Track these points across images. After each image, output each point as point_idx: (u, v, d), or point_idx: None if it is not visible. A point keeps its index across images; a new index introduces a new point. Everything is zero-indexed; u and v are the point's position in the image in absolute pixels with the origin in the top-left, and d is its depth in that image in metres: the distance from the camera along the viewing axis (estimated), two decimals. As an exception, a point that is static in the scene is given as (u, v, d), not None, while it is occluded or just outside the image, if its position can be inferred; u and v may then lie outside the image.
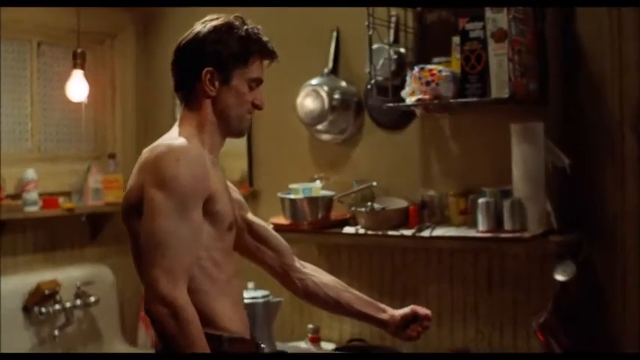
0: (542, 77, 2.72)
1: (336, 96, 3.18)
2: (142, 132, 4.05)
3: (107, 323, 3.70)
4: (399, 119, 3.11)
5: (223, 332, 1.88)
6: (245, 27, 1.98)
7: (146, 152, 1.87)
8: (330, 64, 3.28)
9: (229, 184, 2.21)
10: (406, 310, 2.18)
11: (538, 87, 2.69)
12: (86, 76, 3.34)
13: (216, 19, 2.01)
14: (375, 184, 3.04)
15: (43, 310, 3.35)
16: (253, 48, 1.97)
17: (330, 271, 3.26)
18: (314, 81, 3.23)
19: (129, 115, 3.97)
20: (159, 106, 4.04)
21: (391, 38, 3.05)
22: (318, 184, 3.12)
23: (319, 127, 3.25)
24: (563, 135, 2.74)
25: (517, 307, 2.85)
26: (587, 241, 2.68)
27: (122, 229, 1.88)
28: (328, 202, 3.10)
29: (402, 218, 2.95)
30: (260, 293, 2.86)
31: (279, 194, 3.15)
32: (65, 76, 3.43)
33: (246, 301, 2.84)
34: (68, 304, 3.46)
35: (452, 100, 2.62)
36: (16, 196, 3.39)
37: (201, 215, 1.81)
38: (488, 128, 2.90)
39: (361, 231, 2.98)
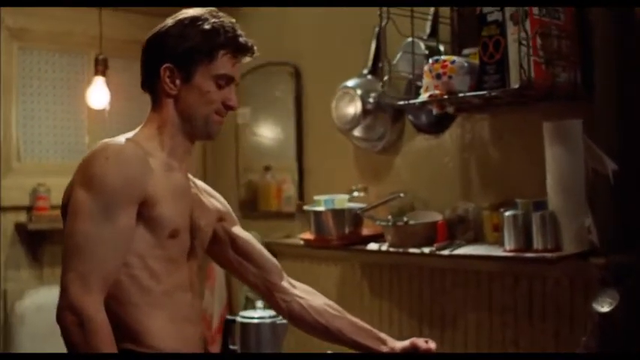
0: (584, 67, 2.28)
1: (371, 99, 2.89)
2: (209, 146, 3.97)
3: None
4: (437, 123, 2.75)
5: (150, 350, 1.68)
6: (212, 20, 1.80)
7: None
8: (370, 64, 2.99)
9: (211, 191, 2.06)
10: (406, 343, 1.91)
11: (575, 78, 2.25)
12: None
13: (186, 12, 1.86)
14: (402, 195, 2.71)
15: (84, 322, 3.31)
16: (218, 41, 1.78)
17: (371, 293, 3.00)
18: (350, 83, 2.96)
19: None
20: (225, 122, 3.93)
21: (427, 31, 2.72)
22: (343, 195, 2.83)
23: (356, 133, 2.97)
24: (612, 136, 2.27)
25: (559, 339, 2.38)
26: (638, 265, 2.18)
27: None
28: (357, 215, 2.80)
29: (431, 234, 2.58)
30: (267, 313, 2.61)
31: (305, 207, 2.90)
32: (124, 88, 3.41)
33: (254, 321, 2.63)
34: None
35: (460, 95, 2.25)
36: (64, 206, 3.39)
37: (132, 219, 1.65)
38: (531, 130, 2.47)
39: (383, 248, 2.65)
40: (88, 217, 1.61)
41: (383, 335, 1.97)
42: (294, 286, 2.07)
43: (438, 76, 2.30)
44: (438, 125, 2.76)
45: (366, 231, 2.84)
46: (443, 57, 2.34)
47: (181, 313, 1.78)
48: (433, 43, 2.67)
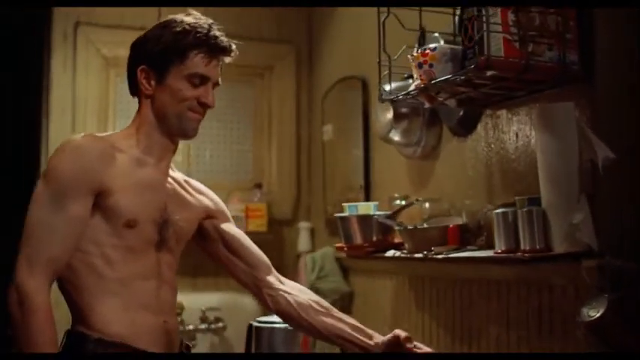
0: (581, 46, 2.01)
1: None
2: (304, 163, 4.02)
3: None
4: (465, 124, 2.57)
5: (98, 334, 1.78)
6: (188, 22, 1.92)
7: None
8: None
9: (203, 189, 2.17)
10: (390, 335, 1.93)
11: (565, 57, 1.99)
12: (246, 109, 3.49)
13: (169, 17, 1.99)
14: (415, 201, 2.57)
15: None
16: (188, 41, 1.90)
17: (416, 307, 2.83)
18: (388, 87, 2.85)
19: (286, 146, 3.97)
20: (316, 138, 3.96)
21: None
22: (369, 203, 2.72)
23: (396, 138, 2.84)
24: (619, 124, 1.97)
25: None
26: (638, 269, 1.85)
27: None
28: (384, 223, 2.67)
29: (444, 239, 2.40)
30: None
31: (336, 214, 2.83)
32: (222, 110, 3.58)
33: (267, 326, 2.60)
34: (190, 327, 3.55)
35: (433, 82, 2.09)
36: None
37: (85, 209, 1.79)
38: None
39: (397, 254, 2.51)
40: (40, 205, 1.77)
41: (371, 332, 1.96)
42: (282, 282, 2.09)
43: (420, 66, 2.17)
44: (465, 126, 2.58)
45: (398, 239, 2.70)
46: (432, 45, 2.20)
47: (139, 302, 1.84)
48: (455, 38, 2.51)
